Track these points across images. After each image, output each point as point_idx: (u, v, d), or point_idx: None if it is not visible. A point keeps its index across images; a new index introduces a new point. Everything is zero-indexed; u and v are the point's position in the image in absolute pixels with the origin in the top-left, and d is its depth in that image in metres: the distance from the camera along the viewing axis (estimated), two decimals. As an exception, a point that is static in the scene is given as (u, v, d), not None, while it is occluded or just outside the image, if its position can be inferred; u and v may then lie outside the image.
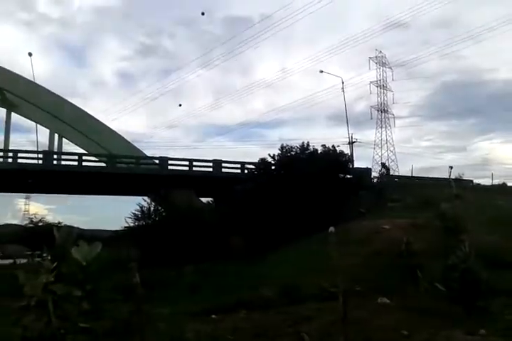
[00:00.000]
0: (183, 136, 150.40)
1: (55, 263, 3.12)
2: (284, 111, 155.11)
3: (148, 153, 37.38)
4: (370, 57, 56.31)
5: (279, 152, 24.75)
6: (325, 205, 20.08)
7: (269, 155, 24.82)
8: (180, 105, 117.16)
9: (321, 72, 44.31)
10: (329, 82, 73.75)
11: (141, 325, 4.37)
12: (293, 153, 24.54)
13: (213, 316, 7.92)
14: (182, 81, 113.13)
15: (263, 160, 25.14)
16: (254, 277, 12.43)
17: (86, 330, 3.33)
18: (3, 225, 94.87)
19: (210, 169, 32.87)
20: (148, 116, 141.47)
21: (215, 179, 30.60)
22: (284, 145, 25.03)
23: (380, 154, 54.06)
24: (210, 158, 33.83)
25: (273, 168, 24.40)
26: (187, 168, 32.74)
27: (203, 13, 46.37)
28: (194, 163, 33.00)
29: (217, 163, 32.91)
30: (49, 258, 3.37)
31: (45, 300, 3.04)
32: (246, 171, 30.09)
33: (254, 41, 73.29)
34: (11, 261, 35.32)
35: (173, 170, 32.47)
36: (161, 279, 12.62)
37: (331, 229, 4.06)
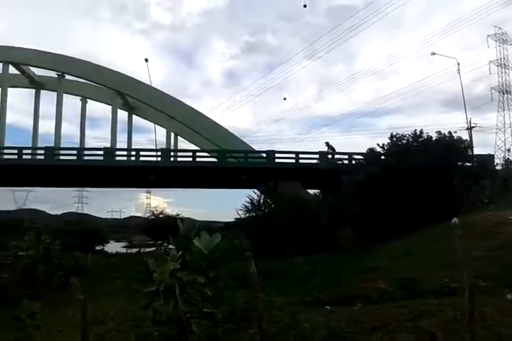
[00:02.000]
0: (288, 129, 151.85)
1: (180, 252, 3.35)
2: (391, 99, 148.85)
3: (256, 147, 38.40)
4: (488, 35, 51.53)
5: (389, 141, 23.78)
6: (442, 196, 18.90)
7: (378, 144, 24.00)
8: (284, 99, 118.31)
9: (433, 54, 41.54)
10: (441, 65, 68.81)
11: (259, 312, 4.51)
12: (404, 141, 23.41)
13: (327, 307, 7.89)
14: (286, 75, 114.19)
15: (371, 150, 24.40)
16: (367, 269, 12.11)
17: (209, 315, 3.53)
18: (128, 218, 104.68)
19: (317, 161, 32.77)
20: (254, 111, 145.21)
21: (322, 170, 30.42)
22: (394, 133, 24.00)
23: (503, 139, 49.46)
24: (316, 150, 33.75)
25: (383, 157, 23.55)
26: (293, 161, 33.04)
27: (305, 6, 45.91)
28: (300, 156, 33.19)
29: (323, 155, 32.68)
30: (173, 247, 3.63)
31: (172, 285, 3.26)
32: (353, 162, 29.46)
33: (358, 29, 70.86)
34: (136, 250, 38.80)
35: (280, 163, 33.00)
36: (272, 269, 12.87)
37: (455, 220, 3.78)
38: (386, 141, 23.93)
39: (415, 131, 23.59)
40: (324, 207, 21.56)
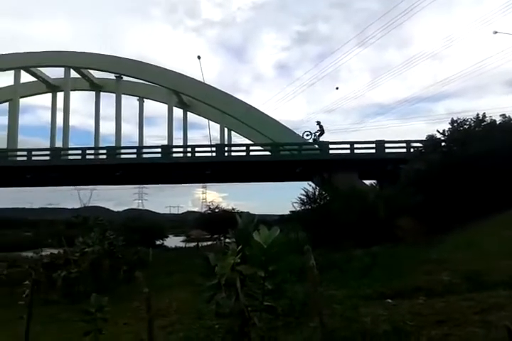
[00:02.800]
0: (342, 119, 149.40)
1: (240, 246, 3.37)
2: (450, 83, 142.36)
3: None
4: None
5: (450, 127, 22.78)
6: (508, 183, 17.89)
7: (438, 131, 23.06)
8: (337, 88, 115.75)
9: (495, 33, 39.06)
10: (504, 44, 64.65)
11: (319, 306, 4.48)
12: (466, 126, 22.34)
13: (388, 300, 7.71)
14: (338, 64, 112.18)
15: (431, 137, 23.47)
16: (429, 261, 11.71)
17: (270, 309, 3.54)
18: (186, 213, 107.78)
19: (373, 150, 32.00)
20: (306, 102, 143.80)
21: (379, 160, 29.69)
22: (455, 118, 22.95)
23: None
24: (372, 139, 32.95)
25: (443, 144, 22.61)
26: (348, 151, 32.45)
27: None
28: (355, 146, 32.52)
29: (379, 144, 31.86)
30: (230, 241, 3.66)
31: (233, 279, 3.30)
32: (412, 150, 28.46)
33: (412, 11, 67.84)
34: (194, 244, 39.82)
35: (334, 154, 32.51)
36: (330, 262, 12.72)
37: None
38: (446, 126, 22.98)
39: (477, 115, 22.45)
40: (382, 198, 21.05)
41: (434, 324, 5.63)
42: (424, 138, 24.60)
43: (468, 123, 22.36)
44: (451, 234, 16.17)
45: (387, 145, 32.03)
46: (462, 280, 8.48)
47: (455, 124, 22.61)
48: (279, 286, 3.56)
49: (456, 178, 18.61)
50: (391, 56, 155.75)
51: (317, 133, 35.16)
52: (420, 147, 25.23)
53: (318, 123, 35.56)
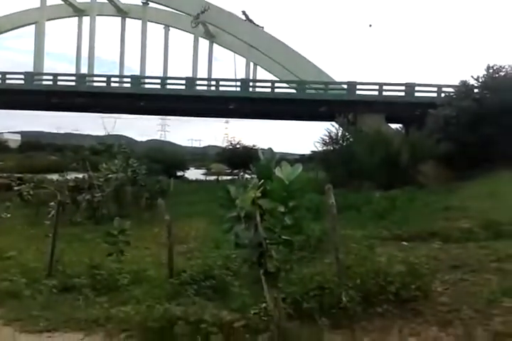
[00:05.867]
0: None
1: (261, 181, 3.34)
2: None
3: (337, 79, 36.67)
4: None
5: (485, 73, 21.69)
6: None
7: (472, 76, 21.99)
8: (370, 26, 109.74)
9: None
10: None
11: (336, 243, 4.52)
12: (502, 73, 21.23)
13: (404, 243, 7.78)
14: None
15: (464, 83, 22.46)
16: (449, 208, 11.70)
17: (287, 242, 3.59)
18: (207, 146, 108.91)
19: (402, 93, 30.90)
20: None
21: (407, 104, 28.74)
22: (491, 65, 21.79)
23: None
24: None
25: (476, 91, 21.64)
26: (376, 93, 31.43)
27: None
28: (384, 87, 31.41)
29: (409, 87, 30.68)
30: (249, 176, 3.63)
31: (253, 212, 3.31)
32: (443, 95, 27.36)
33: None
34: (215, 177, 40.51)
35: (361, 95, 31.55)
36: (349, 203, 12.78)
37: None
38: (482, 73, 21.91)
39: (516, 61, 21.23)
40: (407, 143, 20.65)
41: (449, 268, 5.68)
42: (456, 84, 23.58)
43: (504, 70, 21.25)
44: (475, 183, 15.95)
45: (417, 88, 30.84)
46: (481, 228, 8.45)
47: (490, 71, 21.50)
48: (297, 222, 3.57)
49: (487, 127, 18.02)
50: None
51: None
52: (452, 92, 24.23)
53: (244, 13, 39.02)
